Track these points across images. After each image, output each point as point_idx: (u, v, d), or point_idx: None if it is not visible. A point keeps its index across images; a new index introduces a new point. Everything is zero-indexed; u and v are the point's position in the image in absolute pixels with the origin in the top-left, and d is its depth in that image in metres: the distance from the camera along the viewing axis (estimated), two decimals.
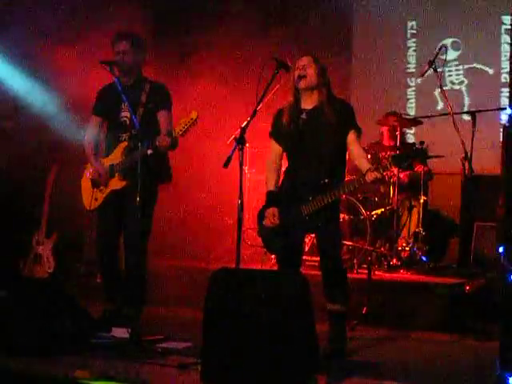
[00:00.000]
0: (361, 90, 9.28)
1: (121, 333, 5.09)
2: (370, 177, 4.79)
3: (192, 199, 8.25)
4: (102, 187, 5.67)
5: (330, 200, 4.89)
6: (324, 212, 4.93)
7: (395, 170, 6.94)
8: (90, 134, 5.81)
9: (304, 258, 6.76)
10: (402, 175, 7.28)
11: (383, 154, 7.26)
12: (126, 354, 4.69)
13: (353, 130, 5.02)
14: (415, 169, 7.43)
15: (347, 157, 5.16)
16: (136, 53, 5.65)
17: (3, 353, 4.60)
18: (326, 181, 4.93)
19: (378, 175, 4.77)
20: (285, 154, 5.23)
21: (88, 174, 5.79)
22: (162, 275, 7.21)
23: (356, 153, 5.05)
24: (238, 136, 4.83)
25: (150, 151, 5.26)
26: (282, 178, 5.21)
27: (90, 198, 5.71)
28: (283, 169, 5.27)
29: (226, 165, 4.74)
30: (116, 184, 5.62)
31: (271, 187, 5.15)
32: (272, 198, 5.11)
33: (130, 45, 5.61)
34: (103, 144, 5.80)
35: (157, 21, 8.62)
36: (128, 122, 5.62)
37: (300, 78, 4.98)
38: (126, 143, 5.60)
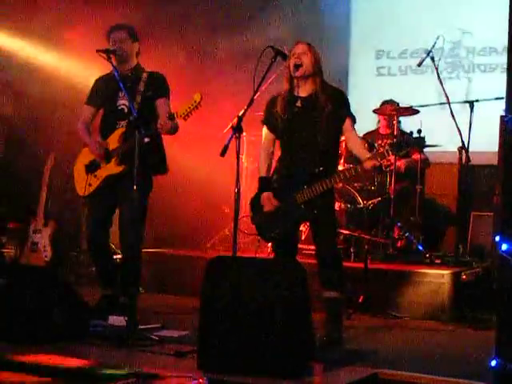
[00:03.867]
0: (357, 78, 9.29)
1: (118, 321, 5.09)
2: (368, 165, 4.82)
3: (189, 188, 8.24)
4: (96, 172, 5.64)
5: (324, 188, 4.90)
6: (319, 200, 4.93)
7: (392, 158, 6.94)
8: (83, 122, 5.78)
9: (300, 246, 6.75)
10: (399, 163, 7.28)
11: (380, 142, 7.26)
12: (122, 343, 4.70)
13: (348, 117, 5.04)
14: (412, 157, 7.43)
15: (343, 145, 5.17)
16: (132, 42, 5.68)
17: (0, 340, 4.61)
18: (321, 169, 4.94)
19: (377, 163, 4.82)
20: (278, 141, 5.23)
21: (81, 159, 5.76)
22: (158, 263, 7.23)
23: (353, 140, 5.08)
24: (235, 125, 4.84)
25: (146, 139, 5.25)
26: (274, 167, 5.21)
27: (84, 183, 5.66)
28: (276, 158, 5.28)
29: (222, 154, 4.74)
30: (113, 169, 5.57)
31: (263, 173, 5.16)
32: (265, 184, 5.12)
33: (126, 33, 5.64)
34: (98, 130, 5.77)
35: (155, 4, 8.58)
36: (126, 110, 5.61)
37: (296, 66, 4.99)
38: (123, 129, 5.58)
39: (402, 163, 7.39)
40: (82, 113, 5.84)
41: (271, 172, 5.21)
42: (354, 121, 5.10)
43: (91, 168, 5.67)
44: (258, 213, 5.11)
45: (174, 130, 5.44)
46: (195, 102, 5.22)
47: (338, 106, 5.02)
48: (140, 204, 5.17)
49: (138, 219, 5.33)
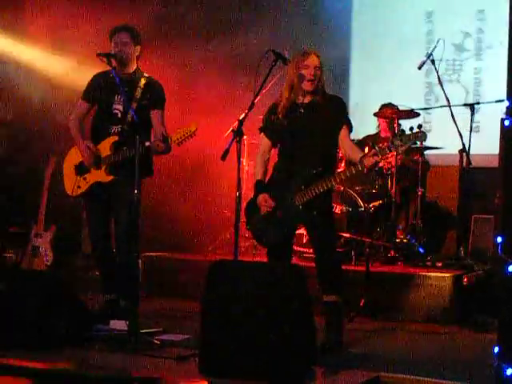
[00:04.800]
0: (359, 81, 9.29)
1: (119, 325, 5.09)
2: (369, 161, 4.80)
3: (190, 192, 8.24)
4: (86, 175, 5.64)
5: (324, 188, 4.89)
6: (317, 202, 4.92)
7: (392, 160, 6.93)
8: (76, 117, 5.78)
9: (301, 250, 6.79)
10: (398, 158, 7.17)
11: (381, 145, 7.23)
12: (124, 347, 4.70)
13: (345, 125, 5.06)
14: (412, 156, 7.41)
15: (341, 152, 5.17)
16: (134, 45, 5.67)
17: (2, 345, 4.60)
18: (319, 169, 4.94)
19: (377, 158, 4.80)
20: (273, 149, 5.23)
21: (72, 158, 5.76)
22: (160, 267, 7.22)
23: (348, 146, 5.07)
24: (236, 128, 4.84)
25: (147, 143, 5.26)
26: (270, 173, 5.20)
27: (73, 184, 5.68)
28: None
29: (223, 157, 4.75)
30: (102, 177, 5.58)
31: (259, 177, 5.16)
32: (261, 186, 5.11)
33: (129, 36, 5.63)
34: (89, 131, 5.78)
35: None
36: (120, 115, 5.61)
37: (310, 81, 4.97)
38: (115, 138, 5.57)
39: (399, 158, 7.31)
40: (77, 107, 5.82)
41: (266, 177, 5.21)
42: (350, 129, 5.10)
43: (81, 170, 5.68)
44: (254, 218, 5.10)
45: (165, 152, 5.47)
46: (190, 131, 5.25)
47: (337, 112, 5.06)
48: (138, 208, 5.18)
49: (136, 223, 5.32)
